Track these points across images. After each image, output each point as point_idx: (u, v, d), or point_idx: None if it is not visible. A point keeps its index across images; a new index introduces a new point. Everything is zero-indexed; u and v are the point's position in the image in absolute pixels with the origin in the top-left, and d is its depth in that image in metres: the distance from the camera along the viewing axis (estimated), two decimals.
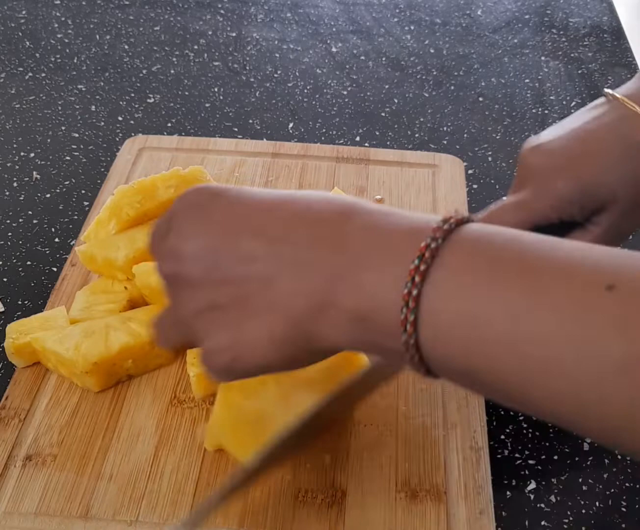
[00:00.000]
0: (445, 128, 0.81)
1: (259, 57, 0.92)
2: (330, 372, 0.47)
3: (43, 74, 0.88)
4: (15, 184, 0.72)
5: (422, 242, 0.30)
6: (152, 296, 0.54)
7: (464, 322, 0.29)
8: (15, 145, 0.77)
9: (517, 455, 0.50)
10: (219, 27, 0.97)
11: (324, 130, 0.80)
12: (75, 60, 0.90)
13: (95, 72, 0.88)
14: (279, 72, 0.90)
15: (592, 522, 0.47)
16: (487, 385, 0.30)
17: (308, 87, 0.87)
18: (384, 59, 0.92)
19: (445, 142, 0.79)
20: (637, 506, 0.48)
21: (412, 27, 0.98)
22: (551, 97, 0.85)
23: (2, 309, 0.60)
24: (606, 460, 0.50)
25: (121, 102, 0.84)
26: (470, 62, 0.91)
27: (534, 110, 0.83)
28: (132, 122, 0.81)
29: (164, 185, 0.59)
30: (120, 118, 0.81)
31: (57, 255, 0.65)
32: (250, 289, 0.33)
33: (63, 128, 0.80)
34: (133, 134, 0.78)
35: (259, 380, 0.49)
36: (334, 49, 0.94)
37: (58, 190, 0.72)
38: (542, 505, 0.48)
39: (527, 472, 0.49)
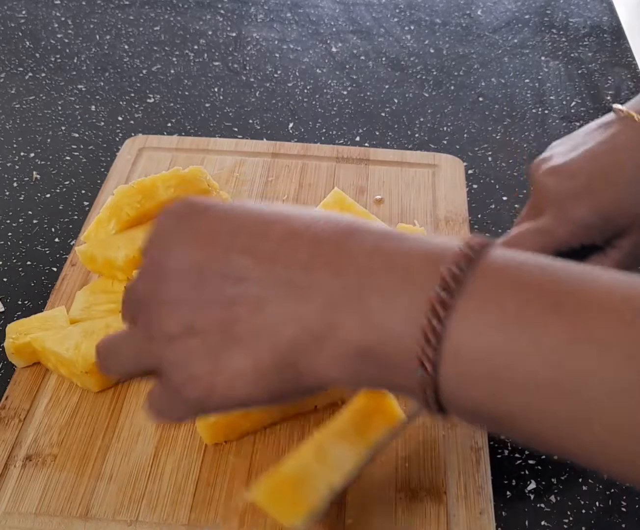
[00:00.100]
0: (445, 128, 0.81)
1: (259, 57, 0.92)
2: (364, 420, 0.44)
3: (43, 74, 0.88)
4: (15, 184, 0.72)
5: (442, 267, 0.26)
6: None
7: (494, 361, 0.26)
8: (15, 145, 0.77)
9: (517, 455, 0.50)
10: (219, 27, 0.97)
11: (324, 130, 0.80)
12: (75, 60, 0.90)
13: (95, 72, 0.88)
14: (279, 72, 0.90)
15: (592, 522, 0.47)
16: (516, 429, 0.27)
17: (308, 87, 0.87)
18: (384, 59, 0.92)
19: (445, 142, 0.79)
20: (637, 506, 0.48)
21: (412, 27, 0.98)
22: (551, 97, 0.85)
23: (2, 309, 0.60)
24: None
25: (121, 102, 0.84)
26: (470, 62, 0.91)
27: (534, 110, 0.83)
28: (132, 122, 0.81)
29: (164, 185, 0.59)
30: (120, 118, 0.81)
31: (57, 255, 0.65)
32: (236, 312, 0.30)
33: (63, 128, 0.80)
34: (133, 134, 0.78)
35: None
36: (334, 49, 0.94)
37: (58, 190, 0.72)
38: (542, 505, 0.48)
39: (527, 472, 0.49)
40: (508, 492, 0.48)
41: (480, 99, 0.85)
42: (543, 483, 0.49)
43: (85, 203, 0.70)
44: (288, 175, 0.71)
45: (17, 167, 0.74)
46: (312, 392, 0.31)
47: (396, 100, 0.85)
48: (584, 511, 0.47)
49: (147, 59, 0.91)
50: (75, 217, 0.69)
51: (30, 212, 0.69)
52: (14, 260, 0.64)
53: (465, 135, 0.79)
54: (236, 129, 0.80)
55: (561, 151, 0.48)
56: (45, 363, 0.54)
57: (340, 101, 0.85)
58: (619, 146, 0.45)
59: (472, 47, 0.94)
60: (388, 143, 0.78)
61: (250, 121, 0.81)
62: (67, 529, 0.46)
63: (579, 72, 0.89)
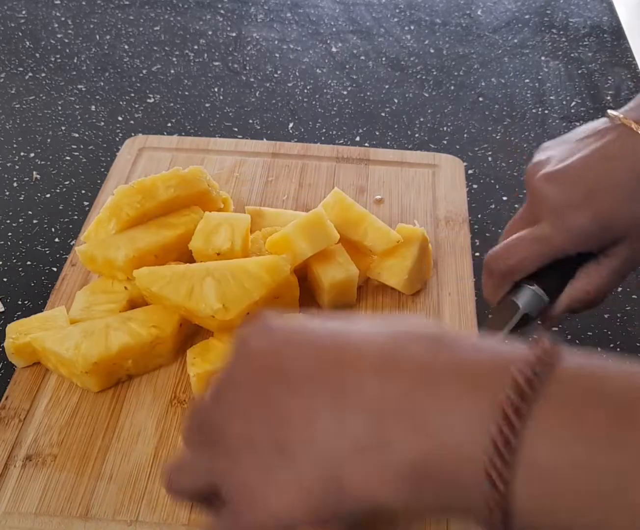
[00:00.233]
0: (445, 128, 0.81)
1: (259, 57, 0.92)
2: None
3: (43, 74, 0.88)
4: (15, 184, 0.72)
5: (515, 372, 0.24)
6: (152, 298, 0.54)
7: (578, 477, 0.23)
8: (15, 145, 0.77)
9: None
10: (219, 27, 0.97)
11: (324, 130, 0.80)
12: (75, 60, 0.90)
13: (95, 72, 0.88)
14: (279, 72, 0.90)
15: None
16: None
17: (308, 87, 0.87)
18: (384, 59, 0.92)
19: (445, 142, 0.79)
20: None
21: (412, 27, 0.98)
22: (551, 97, 0.85)
23: (2, 309, 0.60)
24: None
25: (121, 102, 0.84)
26: (470, 62, 0.91)
27: (534, 110, 0.83)
28: (132, 122, 0.81)
29: (164, 185, 0.59)
30: (120, 118, 0.81)
31: (57, 255, 0.65)
32: (290, 425, 0.29)
33: (63, 128, 0.80)
34: (133, 134, 0.78)
35: None
36: (334, 49, 0.94)
37: (58, 190, 0.72)
38: None
39: None
40: None
41: (480, 99, 0.85)
42: None
43: (85, 203, 0.70)
44: (288, 175, 0.71)
45: (17, 167, 0.74)
46: (361, 515, 0.28)
47: (396, 100, 0.85)
48: None
49: (147, 59, 0.91)
50: (75, 217, 0.69)
51: (30, 212, 0.69)
52: (14, 260, 0.64)
53: (465, 135, 0.79)
54: (236, 129, 0.80)
55: (556, 156, 0.48)
56: (45, 363, 0.54)
57: (340, 101, 0.85)
58: (616, 156, 0.45)
59: (472, 47, 0.94)
60: (388, 143, 0.78)
61: (250, 121, 0.81)
62: (67, 529, 0.46)
63: (579, 72, 0.89)
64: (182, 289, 0.52)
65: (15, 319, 0.58)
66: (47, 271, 0.63)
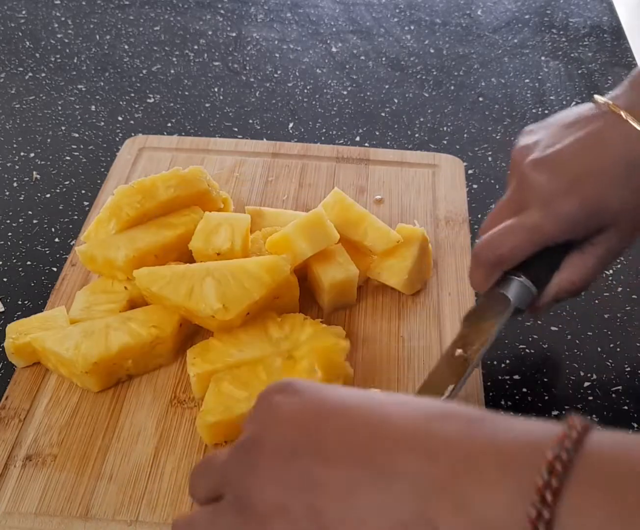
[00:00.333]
0: (445, 128, 0.81)
1: (259, 57, 0.92)
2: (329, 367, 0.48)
3: (43, 74, 0.88)
4: (15, 184, 0.72)
5: (547, 452, 0.25)
6: (152, 298, 0.54)
7: None
8: (15, 145, 0.77)
9: None
10: (219, 27, 0.97)
11: (324, 130, 0.80)
12: (75, 60, 0.90)
13: (95, 72, 0.88)
14: (279, 72, 0.90)
15: None
16: None
17: (308, 87, 0.87)
18: (384, 59, 0.92)
19: (445, 142, 0.79)
20: None
21: (412, 27, 0.98)
22: (551, 97, 0.85)
23: (2, 309, 0.60)
24: None
25: (121, 102, 0.84)
26: (470, 62, 0.91)
27: (534, 110, 0.83)
28: (132, 122, 0.81)
29: (164, 185, 0.59)
30: (120, 118, 0.81)
31: (57, 255, 0.65)
32: (324, 496, 0.29)
33: (63, 128, 0.80)
34: (133, 134, 0.78)
35: (250, 370, 0.50)
36: (334, 49, 0.94)
37: (58, 190, 0.72)
38: None
39: None
40: None
41: (480, 99, 0.85)
42: None
43: (85, 203, 0.70)
44: (288, 175, 0.71)
45: (17, 167, 0.74)
46: None
47: (396, 100, 0.85)
48: None
49: (147, 59, 0.91)
50: (75, 217, 0.69)
51: (30, 212, 0.69)
52: (14, 260, 0.64)
53: (465, 135, 0.79)
54: (236, 129, 0.80)
55: (543, 141, 0.47)
56: (45, 363, 0.54)
57: (340, 101, 0.85)
58: (605, 144, 0.45)
59: (472, 47, 0.94)
60: (388, 143, 0.78)
61: (250, 121, 0.81)
62: (67, 529, 0.46)
63: (579, 72, 0.89)
64: (182, 289, 0.52)
65: (15, 319, 0.58)
66: (47, 271, 0.63)
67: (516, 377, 0.55)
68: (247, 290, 0.52)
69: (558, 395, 0.54)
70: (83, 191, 0.71)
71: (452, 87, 0.87)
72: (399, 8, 1.02)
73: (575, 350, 0.57)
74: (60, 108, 0.82)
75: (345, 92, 0.86)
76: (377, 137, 0.79)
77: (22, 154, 0.76)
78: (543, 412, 0.53)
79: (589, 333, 0.59)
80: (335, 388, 0.33)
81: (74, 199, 0.70)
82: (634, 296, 0.61)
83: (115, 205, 0.58)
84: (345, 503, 0.28)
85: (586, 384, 0.55)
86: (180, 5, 1.01)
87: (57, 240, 0.66)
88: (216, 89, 0.86)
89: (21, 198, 0.71)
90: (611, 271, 0.63)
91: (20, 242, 0.66)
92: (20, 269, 0.63)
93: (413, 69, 0.90)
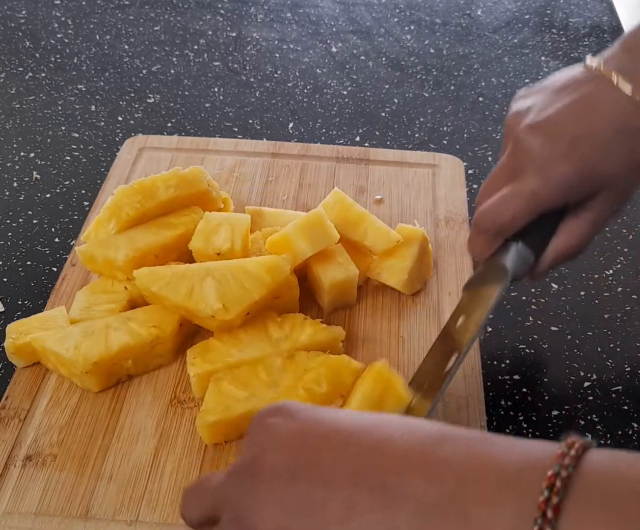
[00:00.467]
0: (445, 128, 0.81)
1: (259, 57, 0.92)
2: (375, 405, 0.47)
3: (43, 74, 0.88)
4: (15, 184, 0.72)
5: (547, 470, 0.26)
6: (152, 298, 0.54)
7: None
8: (15, 145, 0.77)
9: None
10: (219, 27, 0.97)
11: (324, 130, 0.80)
12: (75, 60, 0.90)
13: (95, 72, 0.88)
14: (279, 72, 0.90)
15: None
16: None
17: (308, 87, 0.87)
18: (384, 59, 0.92)
19: (445, 142, 0.79)
20: None
21: (412, 27, 0.98)
22: None
23: (2, 309, 0.60)
24: None
25: (121, 102, 0.84)
26: (470, 62, 0.91)
27: None
28: (132, 122, 0.81)
29: (164, 185, 0.59)
30: (120, 118, 0.81)
31: (57, 255, 0.65)
32: (326, 516, 0.29)
33: (63, 128, 0.80)
34: (133, 134, 0.78)
35: (250, 370, 0.50)
36: (334, 49, 0.94)
37: (58, 190, 0.72)
38: None
39: None
40: None
41: (480, 99, 0.85)
42: None
43: (85, 203, 0.70)
44: (288, 175, 0.71)
45: (17, 167, 0.74)
46: None
47: (396, 100, 0.85)
48: None
49: (147, 59, 0.91)
50: (75, 217, 0.69)
51: (30, 212, 0.69)
52: (14, 260, 0.64)
53: (465, 135, 0.79)
54: (236, 129, 0.80)
55: (536, 105, 0.48)
56: (45, 363, 0.54)
57: (340, 101, 0.85)
58: (596, 108, 0.45)
59: (472, 47, 0.94)
60: (388, 143, 0.78)
61: (250, 121, 0.81)
62: (67, 529, 0.46)
63: None
64: (182, 289, 0.52)
65: (15, 319, 0.58)
66: (47, 271, 0.63)
67: (516, 377, 0.55)
68: (247, 290, 0.52)
69: (558, 395, 0.54)
70: (83, 191, 0.71)
71: (452, 87, 0.87)
72: (399, 8, 1.02)
73: (575, 350, 0.57)
74: (60, 108, 0.82)
75: (345, 92, 0.86)
76: (377, 137, 0.79)
77: (22, 154, 0.76)
78: (543, 412, 0.53)
79: (589, 333, 0.59)
80: (329, 410, 0.33)
81: (74, 199, 0.71)
82: (634, 296, 0.61)
83: (115, 205, 0.58)
84: (345, 525, 0.28)
85: (586, 384, 0.55)
86: (180, 5, 1.01)
87: (57, 240, 0.66)
88: (216, 89, 0.86)
89: (21, 198, 0.71)
90: (611, 271, 0.63)
91: (20, 242, 0.66)
92: (20, 269, 0.63)
93: (413, 69, 0.90)
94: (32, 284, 0.62)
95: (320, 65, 0.91)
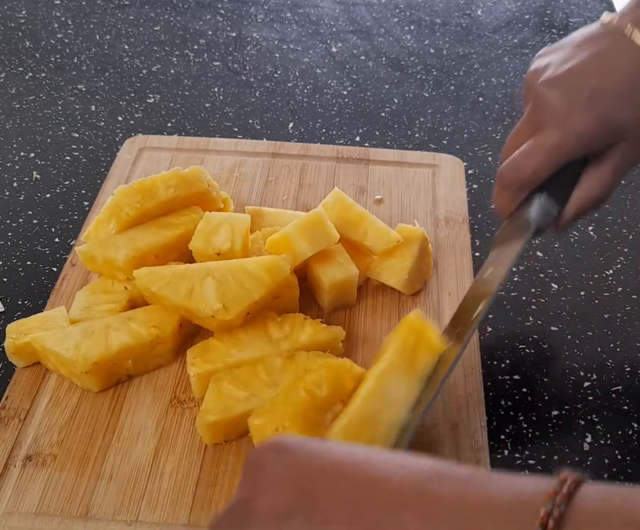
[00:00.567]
0: (445, 128, 0.81)
1: (259, 57, 0.92)
2: (409, 354, 0.47)
3: (43, 74, 0.88)
4: (15, 184, 0.72)
5: (540, 508, 0.26)
6: (152, 298, 0.54)
7: None
8: (15, 145, 0.77)
9: (517, 455, 0.50)
10: (219, 27, 0.97)
11: (324, 130, 0.80)
12: (75, 60, 0.90)
13: (95, 72, 0.88)
14: (279, 72, 0.90)
15: None
16: None
17: (308, 87, 0.87)
18: (384, 59, 0.92)
19: (445, 142, 0.79)
20: None
21: (412, 27, 0.98)
22: None
23: (2, 309, 0.60)
24: (606, 461, 0.50)
25: (121, 102, 0.84)
26: (470, 62, 0.91)
27: None
28: (132, 122, 0.81)
29: (164, 185, 0.59)
30: (120, 118, 0.81)
31: (57, 255, 0.65)
32: None
33: (63, 128, 0.80)
34: (133, 134, 0.78)
35: (250, 370, 0.50)
36: (334, 49, 0.94)
37: (58, 190, 0.72)
38: None
39: (527, 472, 0.49)
40: None
41: (480, 99, 0.85)
42: None
43: (85, 203, 0.70)
44: (288, 175, 0.71)
45: (17, 167, 0.74)
46: None
47: (396, 100, 0.85)
48: None
49: (147, 59, 0.91)
50: (75, 217, 0.69)
51: (30, 212, 0.69)
52: (14, 260, 0.64)
53: (465, 135, 0.79)
54: (236, 129, 0.80)
55: (555, 61, 0.49)
56: (45, 363, 0.54)
57: (340, 101, 0.85)
58: (612, 61, 0.46)
59: (472, 47, 0.94)
60: (388, 143, 0.78)
61: (250, 121, 0.81)
62: (67, 529, 0.46)
63: None
64: (182, 289, 0.52)
65: (15, 319, 0.58)
66: (47, 271, 0.63)
67: (516, 377, 0.55)
68: (247, 290, 0.52)
69: (558, 395, 0.54)
70: (83, 191, 0.71)
71: (452, 87, 0.87)
72: (399, 8, 1.02)
73: (575, 350, 0.57)
74: (60, 108, 0.82)
75: (345, 92, 0.86)
76: (377, 137, 0.79)
77: (22, 154, 0.76)
78: (543, 412, 0.53)
79: (589, 333, 0.59)
80: (323, 444, 0.33)
81: (74, 199, 0.71)
82: (634, 296, 0.61)
83: (115, 205, 0.58)
84: None
85: (586, 384, 0.55)
86: (180, 5, 1.01)
87: (57, 240, 0.66)
88: (216, 89, 0.86)
89: (21, 198, 0.71)
90: (611, 271, 0.63)
91: (20, 242, 0.66)
92: (20, 269, 0.63)
93: (413, 69, 0.90)
94: (32, 284, 0.62)
95: (320, 65, 0.91)
